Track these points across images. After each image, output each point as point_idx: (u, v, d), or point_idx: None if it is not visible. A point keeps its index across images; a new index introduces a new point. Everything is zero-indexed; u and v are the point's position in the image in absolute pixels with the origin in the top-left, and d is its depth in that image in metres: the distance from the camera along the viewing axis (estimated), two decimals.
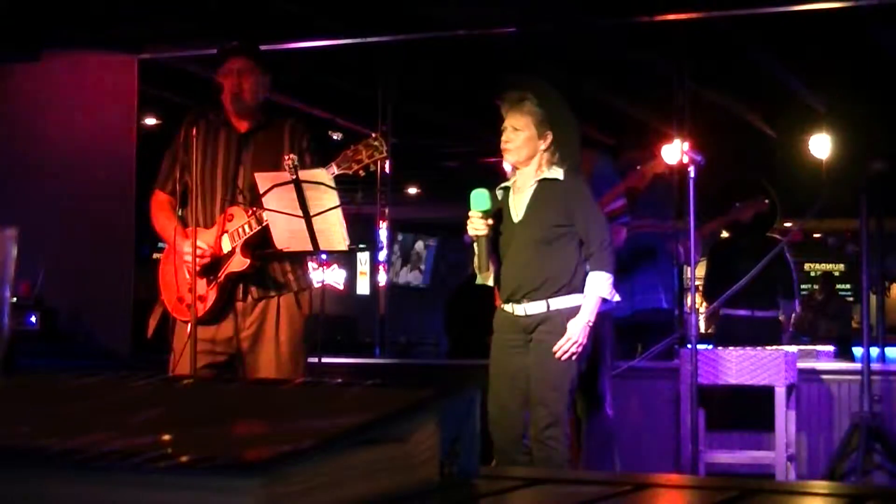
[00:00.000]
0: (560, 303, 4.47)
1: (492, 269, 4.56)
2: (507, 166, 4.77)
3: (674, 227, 6.32)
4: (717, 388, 5.52)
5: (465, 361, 7.71)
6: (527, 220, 4.55)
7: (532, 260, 4.50)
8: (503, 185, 4.70)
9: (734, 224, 7.01)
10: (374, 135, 4.27)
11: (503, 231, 4.60)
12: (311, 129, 4.54)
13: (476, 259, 4.64)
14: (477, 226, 4.50)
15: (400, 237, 13.77)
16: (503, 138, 4.59)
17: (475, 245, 4.59)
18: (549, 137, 4.56)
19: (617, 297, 4.61)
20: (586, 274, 4.49)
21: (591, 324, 4.44)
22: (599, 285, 4.45)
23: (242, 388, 1.00)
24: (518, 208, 4.59)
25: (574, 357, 4.42)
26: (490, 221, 4.50)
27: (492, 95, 4.74)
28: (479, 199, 4.49)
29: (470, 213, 4.50)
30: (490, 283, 4.65)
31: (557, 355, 4.41)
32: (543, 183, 4.56)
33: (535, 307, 4.49)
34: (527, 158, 4.57)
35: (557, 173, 4.56)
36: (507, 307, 4.58)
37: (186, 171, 4.36)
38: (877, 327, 6.40)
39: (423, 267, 14.47)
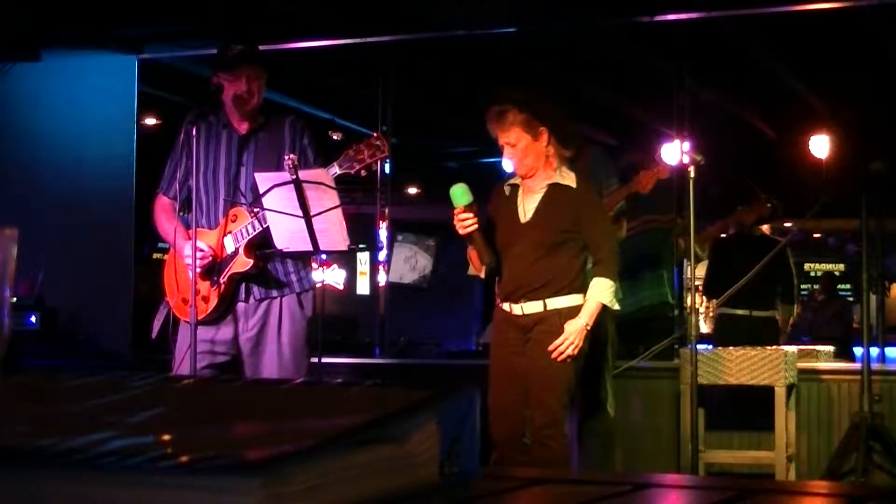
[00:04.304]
0: (557, 302, 4.45)
1: (487, 260, 4.51)
2: (507, 167, 4.74)
3: (676, 221, 6.33)
4: (717, 388, 5.52)
5: (465, 361, 7.72)
6: (535, 221, 4.52)
7: (536, 262, 4.48)
8: (511, 181, 4.65)
9: (736, 227, 7.05)
10: (375, 134, 4.27)
11: (508, 229, 4.57)
12: (311, 128, 4.54)
13: (468, 255, 4.61)
14: (466, 223, 4.40)
15: (400, 237, 13.75)
16: (505, 155, 4.52)
17: (468, 241, 4.53)
18: (545, 133, 4.51)
19: (617, 307, 4.59)
20: (586, 277, 4.48)
21: (588, 327, 4.42)
22: (602, 291, 4.43)
23: (242, 388, 1.00)
24: (527, 209, 4.55)
25: (569, 359, 4.41)
26: (475, 210, 4.38)
27: (488, 102, 4.68)
28: (460, 194, 4.37)
29: (455, 212, 4.38)
30: (483, 276, 4.61)
31: (553, 355, 4.39)
32: (555, 187, 4.52)
33: (532, 307, 4.48)
34: (535, 164, 4.52)
35: (570, 179, 4.52)
36: (505, 306, 4.56)
37: (189, 175, 4.35)
38: (877, 327, 6.39)
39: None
